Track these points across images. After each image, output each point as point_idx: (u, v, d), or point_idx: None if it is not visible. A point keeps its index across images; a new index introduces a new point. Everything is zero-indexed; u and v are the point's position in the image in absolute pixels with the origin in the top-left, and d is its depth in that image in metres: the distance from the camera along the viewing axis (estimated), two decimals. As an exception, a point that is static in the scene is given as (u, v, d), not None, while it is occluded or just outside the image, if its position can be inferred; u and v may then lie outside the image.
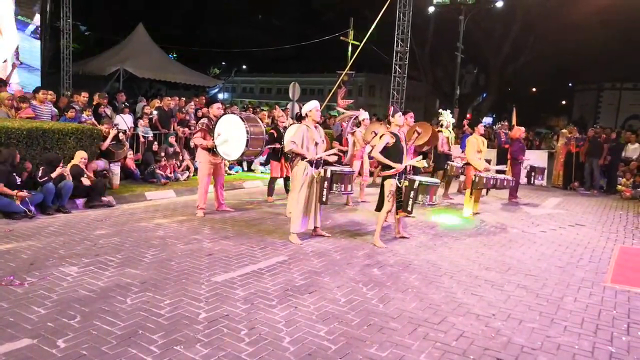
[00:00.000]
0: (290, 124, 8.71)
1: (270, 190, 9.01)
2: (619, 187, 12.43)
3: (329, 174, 6.18)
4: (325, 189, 6.16)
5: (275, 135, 8.90)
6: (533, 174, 11.22)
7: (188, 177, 10.37)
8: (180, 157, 10.60)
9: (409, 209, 6.24)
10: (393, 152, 6.20)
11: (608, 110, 53.75)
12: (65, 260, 4.96)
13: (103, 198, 7.73)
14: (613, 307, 4.56)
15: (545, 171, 12.56)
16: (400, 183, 6.24)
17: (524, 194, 11.43)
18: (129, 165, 9.57)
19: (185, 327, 3.64)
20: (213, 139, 7.26)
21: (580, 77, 50.46)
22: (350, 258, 5.63)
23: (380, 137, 6.34)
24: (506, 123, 12.87)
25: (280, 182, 9.22)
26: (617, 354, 3.62)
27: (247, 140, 7.09)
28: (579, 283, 5.18)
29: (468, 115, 31.47)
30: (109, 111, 10.31)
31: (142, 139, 10.32)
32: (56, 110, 9.25)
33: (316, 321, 3.87)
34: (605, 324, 4.15)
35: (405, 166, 6.34)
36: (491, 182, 8.51)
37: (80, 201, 7.50)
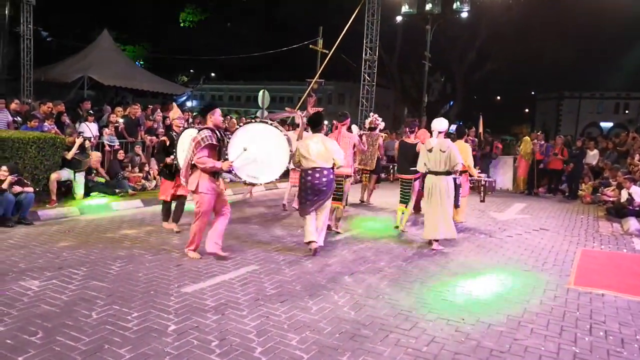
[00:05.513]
0: (185, 128, 6.59)
1: (165, 215, 6.97)
2: (580, 192, 12.86)
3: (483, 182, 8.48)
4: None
5: (167, 143, 6.66)
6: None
7: (156, 185, 10.16)
8: (147, 167, 10.39)
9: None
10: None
11: (568, 118, 55.87)
12: (26, 274, 4.77)
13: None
14: (576, 308, 4.69)
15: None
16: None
17: (489, 199, 11.57)
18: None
19: (153, 340, 3.56)
20: (224, 159, 5.37)
21: (542, 86, 52.37)
22: (322, 266, 5.62)
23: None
24: (473, 130, 13.16)
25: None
26: (580, 354, 3.73)
27: (292, 153, 5.63)
28: (544, 286, 5.32)
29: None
30: (67, 119, 10.04)
31: (107, 148, 10.08)
32: (12, 118, 8.98)
33: (288, 330, 3.84)
34: (570, 325, 4.26)
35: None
36: None
37: (42, 212, 7.26)
